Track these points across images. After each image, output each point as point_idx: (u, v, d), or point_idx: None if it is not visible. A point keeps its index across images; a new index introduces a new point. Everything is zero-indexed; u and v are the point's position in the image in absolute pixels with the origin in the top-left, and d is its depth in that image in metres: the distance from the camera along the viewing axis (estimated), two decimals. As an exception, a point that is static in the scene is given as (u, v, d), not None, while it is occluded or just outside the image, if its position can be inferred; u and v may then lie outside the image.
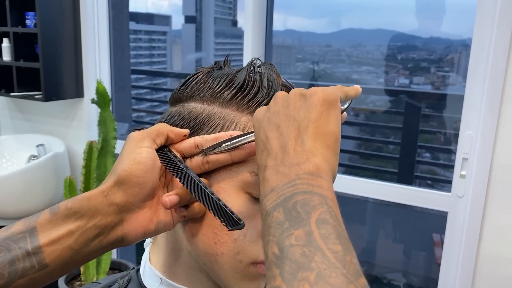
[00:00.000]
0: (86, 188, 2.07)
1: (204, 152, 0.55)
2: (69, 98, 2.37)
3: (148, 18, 5.00)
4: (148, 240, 0.69)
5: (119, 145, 2.15)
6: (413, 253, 3.10)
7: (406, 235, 3.16)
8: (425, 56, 4.06)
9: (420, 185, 3.12)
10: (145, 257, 0.67)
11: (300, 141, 0.44)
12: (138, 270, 0.67)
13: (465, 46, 3.53)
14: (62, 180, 2.16)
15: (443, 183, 3.17)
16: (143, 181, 0.52)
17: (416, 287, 2.87)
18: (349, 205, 2.97)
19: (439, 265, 2.56)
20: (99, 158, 2.06)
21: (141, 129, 0.56)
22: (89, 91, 2.38)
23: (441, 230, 2.75)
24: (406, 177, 2.94)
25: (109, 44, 2.34)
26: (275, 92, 0.58)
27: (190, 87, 0.61)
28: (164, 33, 5.26)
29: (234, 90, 0.58)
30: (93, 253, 0.52)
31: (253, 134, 0.51)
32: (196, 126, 0.58)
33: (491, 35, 1.56)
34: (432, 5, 3.38)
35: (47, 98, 2.27)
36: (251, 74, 0.59)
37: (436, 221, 2.94)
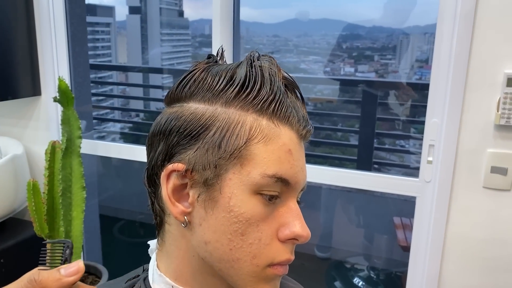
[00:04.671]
0: (51, 190, 1.97)
1: None
2: (25, 96, 2.23)
3: (90, 9, 4.81)
4: (153, 246, 0.67)
5: (84, 144, 2.06)
6: (375, 236, 3.20)
7: (367, 220, 3.26)
8: (368, 44, 4.18)
9: (378, 171, 3.23)
10: (152, 264, 0.65)
11: None
12: (145, 278, 0.65)
13: (405, 34, 3.67)
14: (22, 183, 2.04)
15: (398, 168, 3.31)
16: None
17: (380, 269, 2.97)
18: (310, 194, 3.03)
19: (401, 247, 2.67)
20: (63, 158, 1.96)
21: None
22: (47, 89, 2.25)
23: (402, 213, 2.87)
24: (364, 164, 3.02)
25: (67, 38, 2.22)
26: (278, 87, 0.57)
27: (188, 86, 0.58)
28: (108, 25, 5.10)
29: (237, 88, 0.56)
30: None
31: None
32: (200, 128, 0.55)
33: (454, 23, 1.61)
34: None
35: (1, 97, 2.13)
36: (251, 69, 0.57)
37: (396, 204, 3.06)
